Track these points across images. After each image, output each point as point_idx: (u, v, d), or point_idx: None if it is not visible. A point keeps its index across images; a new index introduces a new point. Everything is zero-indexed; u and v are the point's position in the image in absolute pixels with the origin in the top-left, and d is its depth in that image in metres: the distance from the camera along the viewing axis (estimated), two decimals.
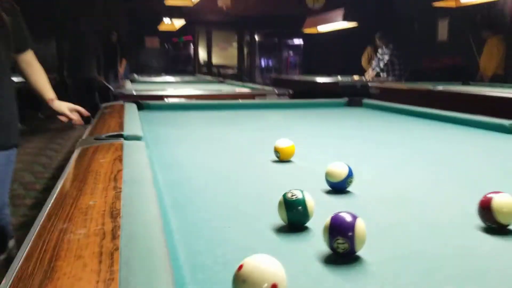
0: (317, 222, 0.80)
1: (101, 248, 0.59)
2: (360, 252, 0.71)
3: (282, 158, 1.37)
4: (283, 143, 1.37)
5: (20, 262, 0.57)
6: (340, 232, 0.68)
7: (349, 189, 1.06)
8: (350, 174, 1.05)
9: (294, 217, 0.81)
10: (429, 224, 0.87)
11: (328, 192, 1.05)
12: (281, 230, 0.81)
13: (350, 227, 0.68)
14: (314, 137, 1.90)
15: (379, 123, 2.33)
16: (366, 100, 3.01)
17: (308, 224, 0.82)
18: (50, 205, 0.79)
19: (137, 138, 1.52)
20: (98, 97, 6.02)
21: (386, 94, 5.21)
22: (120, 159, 1.14)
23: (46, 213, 0.76)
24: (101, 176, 0.98)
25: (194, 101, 3.10)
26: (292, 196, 0.82)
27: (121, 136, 1.50)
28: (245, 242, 0.76)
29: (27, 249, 0.61)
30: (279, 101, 3.23)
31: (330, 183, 1.06)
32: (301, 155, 1.42)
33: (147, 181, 0.94)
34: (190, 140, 1.79)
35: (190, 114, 2.61)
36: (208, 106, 2.91)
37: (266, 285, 0.52)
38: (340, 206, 0.97)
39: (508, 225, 0.82)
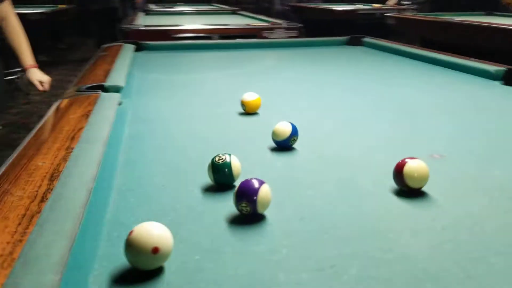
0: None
1: (26, 211, 0.70)
2: (267, 212, 0.80)
3: (247, 111, 1.44)
4: (249, 97, 1.44)
5: None
6: (244, 197, 0.77)
7: (295, 146, 1.14)
8: (293, 133, 1.12)
9: (221, 179, 0.90)
10: (345, 184, 0.95)
11: (274, 149, 1.13)
12: (209, 190, 0.91)
13: (253, 194, 0.77)
14: (297, 84, 1.94)
15: (368, 66, 2.34)
16: (367, 39, 2.97)
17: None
18: (5, 166, 0.91)
19: (117, 89, 1.61)
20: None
21: (403, 25, 5.06)
22: (88, 115, 1.24)
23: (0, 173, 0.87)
24: (62, 134, 1.08)
25: (191, 42, 3.12)
26: (219, 160, 0.90)
27: (101, 87, 1.59)
28: (171, 201, 0.86)
29: None
30: (278, 40, 3.22)
31: (275, 141, 1.13)
32: (270, 107, 1.49)
33: (101, 140, 1.04)
34: (171, 88, 1.86)
35: (186, 55, 2.66)
36: (207, 46, 2.94)
37: (148, 248, 0.62)
38: (279, 163, 1.06)
39: (418, 189, 0.89)
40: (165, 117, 1.45)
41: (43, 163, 0.90)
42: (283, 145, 1.13)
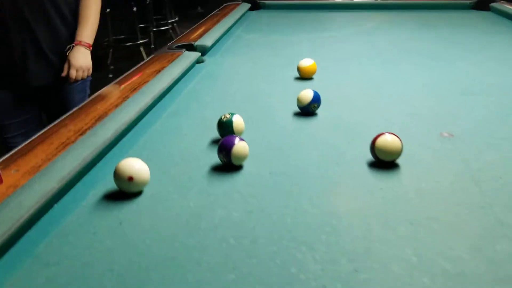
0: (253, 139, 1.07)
1: (66, 140, 0.99)
2: (247, 166, 0.97)
3: (302, 76, 1.57)
4: (304, 63, 1.56)
5: None
6: (222, 149, 0.96)
7: (318, 112, 1.26)
8: (314, 101, 1.24)
9: (225, 134, 1.09)
10: (323, 147, 1.06)
11: (298, 114, 1.27)
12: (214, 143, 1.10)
13: (228, 148, 0.95)
14: (382, 52, 1.96)
15: (490, 39, 2.16)
16: (494, 4, 2.74)
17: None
18: (77, 108, 1.22)
19: (203, 49, 1.85)
20: None
21: None
22: (159, 70, 1.50)
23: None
24: (129, 86, 1.36)
25: (307, 1, 3.19)
26: (224, 118, 1.08)
27: (190, 46, 1.85)
28: (188, 146, 1.08)
29: None
30: (393, 2, 3.11)
31: (298, 107, 1.26)
32: (331, 74, 1.60)
33: (153, 93, 1.29)
34: (257, 49, 2.02)
35: (295, 15, 2.78)
36: (323, 6, 3.00)
37: (125, 177, 0.85)
38: (293, 126, 1.20)
39: (389, 161, 0.97)
40: (231, 75, 1.66)
41: (99, 107, 1.19)
42: (305, 111, 1.25)
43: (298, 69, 1.57)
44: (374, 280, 0.65)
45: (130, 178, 0.85)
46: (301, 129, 1.18)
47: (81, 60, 1.72)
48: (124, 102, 1.22)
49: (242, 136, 1.09)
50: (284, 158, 1.03)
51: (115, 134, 1.04)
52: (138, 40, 5.15)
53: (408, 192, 0.88)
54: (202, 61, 1.81)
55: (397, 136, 0.97)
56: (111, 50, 5.00)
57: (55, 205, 0.83)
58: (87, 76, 1.80)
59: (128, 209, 0.83)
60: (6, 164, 0.89)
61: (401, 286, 0.64)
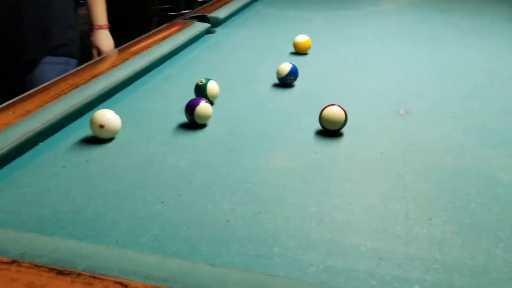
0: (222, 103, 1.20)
1: (61, 91, 1.16)
2: (210, 126, 1.11)
3: (297, 51, 1.67)
4: (299, 38, 1.66)
5: None
6: (187, 109, 1.10)
7: (296, 84, 1.37)
8: (290, 73, 1.35)
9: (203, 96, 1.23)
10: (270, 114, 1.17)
11: (276, 85, 1.38)
12: None
13: (192, 107, 1.09)
14: (394, 34, 2.02)
15: (493, 23, 2.18)
16: None
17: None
18: (85, 65, 1.39)
19: (215, 20, 1.98)
20: None
21: None
22: (165, 38, 1.65)
23: None
24: (133, 50, 1.52)
25: None
26: (200, 82, 1.22)
27: (203, 17, 1.98)
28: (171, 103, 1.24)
29: None
30: None
31: (277, 78, 1.38)
32: (328, 51, 1.69)
33: (150, 57, 1.44)
34: (267, 22, 2.13)
35: None
36: None
37: (97, 124, 1.01)
38: (266, 95, 1.32)
39: (334, 130, 1.07)
40: (233, 47, 1.78)
41: (99, 67, 1.36)
42: (282, 82, 1.37)
43: (293, 44, 1.67)
44: (270, 220, 0.78)
45: (101, 126, 1.01)
46: (271, 99, 1.30)
47: (108, 45, 1.77)
48: (121, 64, 1.38)
49: (216, 101, 1.23)
50: (246, 122, 1.16)
51: (104, 90, 1.20)
52: (180, 10, 5.33)
53: (338, 157, 0.99)
54: (212, 32, 1.94)
55: (343, 108, 1.07)
56: (155, 19, 5.21)
57: (40, 143, 1.01)
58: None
59: (97, 151, 1.00)
60: (5, 108, 1.08)
61: (289, 226, 0.77)
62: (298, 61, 1.53)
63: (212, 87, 1.22)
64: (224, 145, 1.03)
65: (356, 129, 1.09)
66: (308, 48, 1.67)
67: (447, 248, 0.71)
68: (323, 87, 1.38)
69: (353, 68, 1.56)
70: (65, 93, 1.16)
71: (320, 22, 2.17)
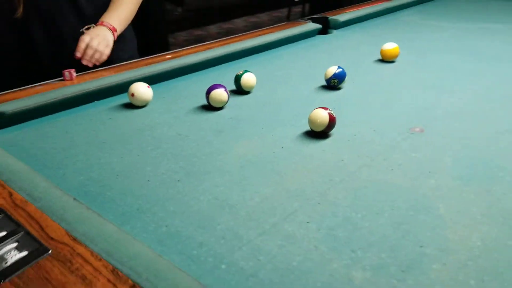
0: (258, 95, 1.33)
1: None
2: (224, 110, 1.24)
3: (383, 58, 1.62)
4: (385, 46, 1.60)
5: None
6: (206, 92, 1.25)
7: (342, 86, 1.38)
8: (335, 76, 1.36)
9: (237, 86, 1.36)
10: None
11: (321, 87, 1.41)
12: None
13: (209, 91, 1.23)
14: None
15: None
16: None
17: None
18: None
19: (335, 22, 2.04)
20: None
21: None
22: (277, 30, 1.81)
23: None
24: (237, 38, 1.72)
25: None
26: (238, 73, 1.35)
27: (325, 19, 2.06)
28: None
29: None
30: None
31: (325, 80, 1.40)
32: (409, 64, 1.61)
33: (240, 47, 1.63)
34: (385, 31, 2.06)
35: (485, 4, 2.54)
36: None
37: (130, 92, 1.25)
38: (297, 92, 1.37)
39: (318, 132, 1.08)
40: (330, 49, 1.82)
41: (202, 47, 1.60)
42: (327, 83, 1.39)
43: (380, 52, 1.63)
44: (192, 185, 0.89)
45: (132, 95, 1.26)
46: (299, 96, 1.34)
47: (97, 38, 1.44)
48: (217, 47, 1.61)
49: (253, 91, 1.36)
50: (254, 111, 1.24)
51: (180, 65, 1.46)
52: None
53: (303, 153, 1.01)
54: (328, 33, 2.01)
55: (330, 113, 1.07)
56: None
57: (95, 102, 1.31)
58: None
59: (126, 113, 1.24)
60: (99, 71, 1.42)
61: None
62: (381, 68, 1.52)
63: (246, 78, 1.34)
64: (217, 126, 1.16)
65: (344, 136, 1.08)
66: (395, 57, 1.60)
67: None
68: (360, 93, 1.35)
69: (411, 82, 1.45)
70: (138, 67, 1.44)
71: (448, 34, 2.00)
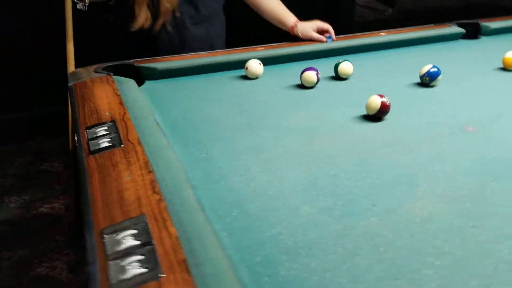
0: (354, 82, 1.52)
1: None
2: (307, 90, 1.46)
3: (505, 66, 1.58)
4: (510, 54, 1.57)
5: None
6: (301, 73, 1.48)
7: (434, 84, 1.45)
8: (427, 74, 1.44)
9: (335, 72, 1.55)
10: None
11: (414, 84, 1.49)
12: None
13: (302, 71, 1.47)
14: None
15: None
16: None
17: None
18: None
19: (486, 30, 2.00)
20: None
21: None
22: (417, 30, 1.91)
23: None
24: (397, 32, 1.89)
25: None
26: (338, 61, 1.54)
27: (477, 25, 2.03)
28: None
29: None
30: None
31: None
32: None
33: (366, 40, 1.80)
34: None
35: None
36: None
37: (244, 67, 1.56)
38: (386, 86, 1.49)
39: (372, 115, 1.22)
40: (474, 52, 1.82)
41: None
42: (420, 80, 1.47)
43: (502, 60, 1.59)
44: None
45: (246, 68, 1.57)
46: (385, 89, 1.45)
47: (311, 24, 1.84)
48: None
49: (348, 78, 1.54)
50: (325, 101, 1.41)
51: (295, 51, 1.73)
52: None
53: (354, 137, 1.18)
54: (477, 38, 2.00)
55: (385, 101, 1.20)
56: None
57: (225, 71, 1.67)
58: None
59: (241, 82, 1.57)
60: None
61: None
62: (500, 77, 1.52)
63: (343, 67, 1.52)
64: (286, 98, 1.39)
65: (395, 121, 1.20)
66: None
67: None
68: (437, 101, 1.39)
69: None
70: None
71: None
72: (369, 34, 1.90)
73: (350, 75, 1.55)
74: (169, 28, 1.81)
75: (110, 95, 1.32)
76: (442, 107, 1.31)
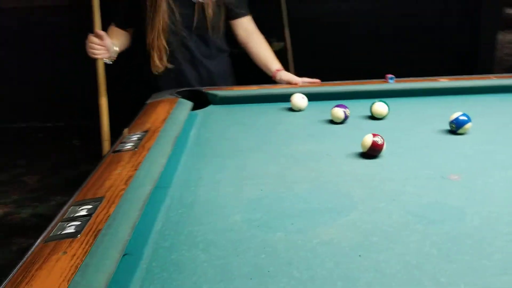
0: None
1: None
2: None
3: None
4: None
5: None
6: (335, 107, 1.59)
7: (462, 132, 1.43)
8: (455, 120, 1.42)
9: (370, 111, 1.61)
10: None
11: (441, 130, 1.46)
12: None
13: (332, 108, 1.57)
14: None
15: None
16: None
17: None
18: None
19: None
20: None
21: None
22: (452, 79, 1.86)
23: None
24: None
25: None
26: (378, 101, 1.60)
27: None
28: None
29: None
30: None
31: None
32: None
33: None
34: None
35: None
36: None
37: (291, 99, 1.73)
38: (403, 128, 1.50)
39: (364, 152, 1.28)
40: None
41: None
42: (449, 125, 1.45)
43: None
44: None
45: (291, 100, 1.73)
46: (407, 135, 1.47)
47: (291, 76, 2.02)
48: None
49: (384, 118, 1.60)
50: (336, 135, 1.47)
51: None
52: None
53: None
54: None
55: (376, 141, 1.25)
56: None
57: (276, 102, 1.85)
58: None
59: (286, 113, 1.74)
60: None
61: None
62: None
63: (376, 107, 1.58)
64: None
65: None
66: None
67: None
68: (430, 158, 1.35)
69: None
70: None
71: None
72: (429, 79, 1.89)
73: (385, 115, 1.60)
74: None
75: (163, 112, 1.63)
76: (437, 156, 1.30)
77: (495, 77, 1.91)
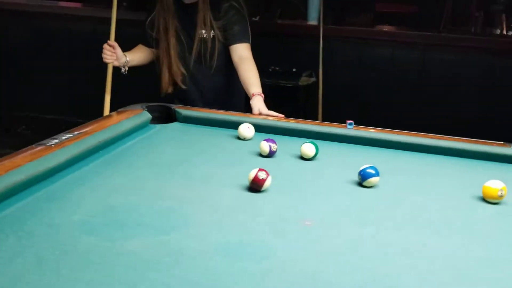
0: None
1: None
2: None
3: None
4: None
5: None
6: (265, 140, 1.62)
7: (366, 186, 1.39)
8: (360, 172, 1.38)
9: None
10: None
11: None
12: None
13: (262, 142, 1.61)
14: None
15: None
16: None
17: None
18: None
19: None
20: None
21: None
22: None
23: None
24: None
25: None
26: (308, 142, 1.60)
27: None
28: None
29: None
30: None
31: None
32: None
33: None
34: None
35: None
36: None
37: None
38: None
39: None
40: None
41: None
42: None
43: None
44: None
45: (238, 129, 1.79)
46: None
47: (264, 108, 2.05)
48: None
49: (311, 159, 1.61)
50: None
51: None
52: None
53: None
54: None
55: (257, 176, 1.28)
56: None
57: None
58: None
59: (232, 140, 1.80)
60: None
61: None
62: None
63: (304, 147, 1.59)
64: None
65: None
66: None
67: None
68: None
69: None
70: None
71: None
72: (389, 131, 1.83)
73: (312, 157, 1.59)
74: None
75: (114, 120, 1.77)
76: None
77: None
